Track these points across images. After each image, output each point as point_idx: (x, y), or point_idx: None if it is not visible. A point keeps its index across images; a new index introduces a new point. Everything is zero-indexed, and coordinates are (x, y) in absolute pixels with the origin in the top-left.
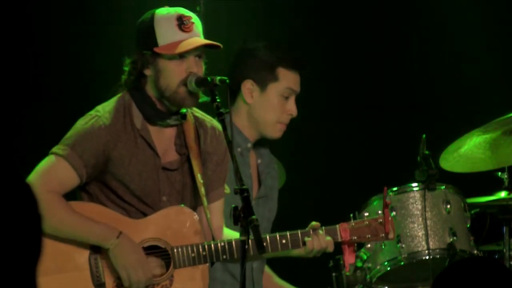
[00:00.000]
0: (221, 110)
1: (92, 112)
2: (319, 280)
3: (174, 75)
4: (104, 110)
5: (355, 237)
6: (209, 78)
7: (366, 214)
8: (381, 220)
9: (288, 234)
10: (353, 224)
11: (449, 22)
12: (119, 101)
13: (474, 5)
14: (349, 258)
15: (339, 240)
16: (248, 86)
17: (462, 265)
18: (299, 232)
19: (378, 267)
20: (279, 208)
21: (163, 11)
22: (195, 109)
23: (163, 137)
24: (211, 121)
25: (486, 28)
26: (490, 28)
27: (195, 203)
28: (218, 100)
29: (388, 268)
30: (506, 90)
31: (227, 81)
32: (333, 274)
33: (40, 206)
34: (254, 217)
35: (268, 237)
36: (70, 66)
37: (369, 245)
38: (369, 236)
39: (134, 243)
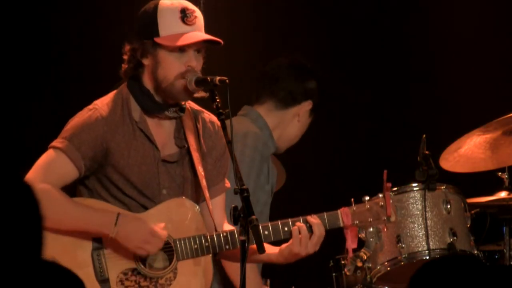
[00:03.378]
0: (220, 110)
1: (90, 106)
2: (319, 280)
3: (172, 67)
4: (102, 103)
5: (357, 221)
6: (209, 78)
7: (367, 198)
8: (382, 203)
9: (290, 220)
10: (354, 208)
11: (449, 21)
12: (117, 94)
13: (475, 4)
14: (352, 243)
15: (341, 225)
16: (308, 107)
17: (437, 265)
18: (300, 218)
19: (378, 267)
20: (278, 209)
21: (167, 2)
22: (193, 103)
23: (162, 130)
24: (210, 116)
25: (486, 27)
26: (490, 28)
27: (196, 196)
28: (217, 100)
29: (388, 268)
30: (506, 90)
31: (227, 81)
32: (333, 274)
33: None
34: (254, 217)
35: (270, 225)
36: (70, 65)
37: (371, 229)
38: (371, 219)
39: (133, 219)
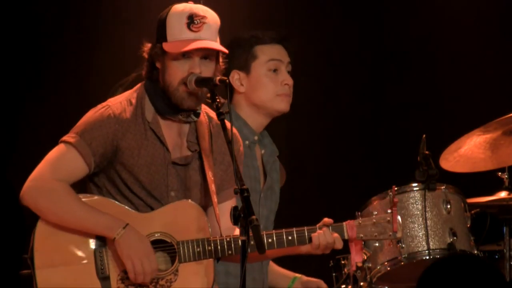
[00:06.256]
0: (221, 110)
1: (104, 103)
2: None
3: (176, 73)
4: (116, 101)
5: (362, 235)
6: (209, 78)
7: (375, 212)
8: (389, 219)
9: (294, 230)
10: (360, 222)
11: (449, 22)
12: (133, 93)
13: (475, 4)
14: (356, 257)
15: (346, 237)
16: (235, 77)
17: (444, 265)
18: (305, 228)
19: (378, 267)
20: (279, 209)
21: (179, 7)
22: (210, 109)
23: (174, 132)
24: (225, 122)
25: (486, 28)
26: (490, 28)
27: (205, 200)
28: (218, 100)
29: (388, 268)
30: (506, 90)
31: (227, 81)
32: (333, 274)
33: (47, 195)
34: (254, 217)
35: (274, 233)
36: (69, 66)
37: (376, 244)
38: (376, 234)
39: (140, 234)
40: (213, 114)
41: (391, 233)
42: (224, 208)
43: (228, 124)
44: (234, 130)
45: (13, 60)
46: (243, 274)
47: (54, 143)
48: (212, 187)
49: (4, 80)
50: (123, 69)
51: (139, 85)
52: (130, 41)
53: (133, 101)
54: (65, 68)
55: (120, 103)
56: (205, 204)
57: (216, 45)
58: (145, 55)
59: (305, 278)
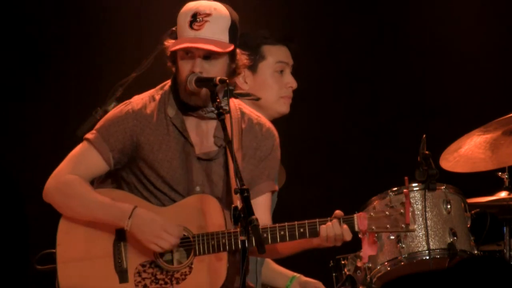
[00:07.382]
0: (221, 110)
1: (127, 100)
2: (319, 280)
3: (183, 72)
4: (138, 97)
5: (374, 227)
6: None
7: (387, 204)
8: (402, 211)
9: (306, 223)
10: (372, 214)
11: (450, 22)
12: (158, 90)
13: (475, 4)
14: (368, 250)
15: (356, 229)
16: (241, 74)
17: (463, 267)
18: (317, 221)
19: (378, 267)
20: (279, 209)
21: (189, 5)
22: (244, 105)
23: (200, 128)
24: (258, 118)
25: (486, 28)
26: (490, 28)
27: (230, 195)
28: (218, 100)
29: (388, 268)
30: (506, 90)
31: (227, 81)
32: (333, 274)
33: (62, 189)
34: (254, 217)
35: (286, 226)
36: (70, 65)
37: (392, 237)
38: (389, 226)
39: (148, 214)
40: (246, 109)
41: (403, 225)
42: (256, 203)
43: (230, 122)
44: (269, 124)
45: (14, 59)
46: (243, 274)
47: (54, 141)
48: (236, 181)
49: (5, 78)
50: (123, 69)
51: (168, 81)
52: (130, 41)
53: (157, 97)
54: (65, 68)
55: (141, 99)
56: (231, 199)
57: (202, 44)
58: (167, 52)
59: (303, 278)
